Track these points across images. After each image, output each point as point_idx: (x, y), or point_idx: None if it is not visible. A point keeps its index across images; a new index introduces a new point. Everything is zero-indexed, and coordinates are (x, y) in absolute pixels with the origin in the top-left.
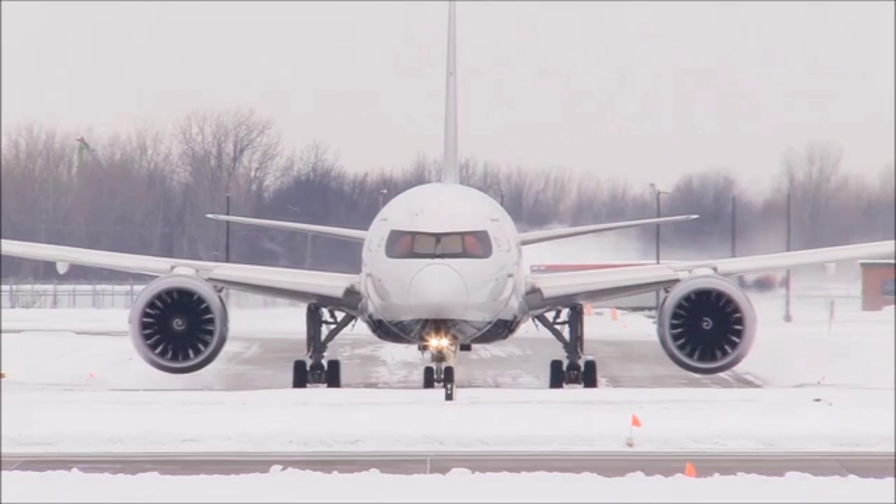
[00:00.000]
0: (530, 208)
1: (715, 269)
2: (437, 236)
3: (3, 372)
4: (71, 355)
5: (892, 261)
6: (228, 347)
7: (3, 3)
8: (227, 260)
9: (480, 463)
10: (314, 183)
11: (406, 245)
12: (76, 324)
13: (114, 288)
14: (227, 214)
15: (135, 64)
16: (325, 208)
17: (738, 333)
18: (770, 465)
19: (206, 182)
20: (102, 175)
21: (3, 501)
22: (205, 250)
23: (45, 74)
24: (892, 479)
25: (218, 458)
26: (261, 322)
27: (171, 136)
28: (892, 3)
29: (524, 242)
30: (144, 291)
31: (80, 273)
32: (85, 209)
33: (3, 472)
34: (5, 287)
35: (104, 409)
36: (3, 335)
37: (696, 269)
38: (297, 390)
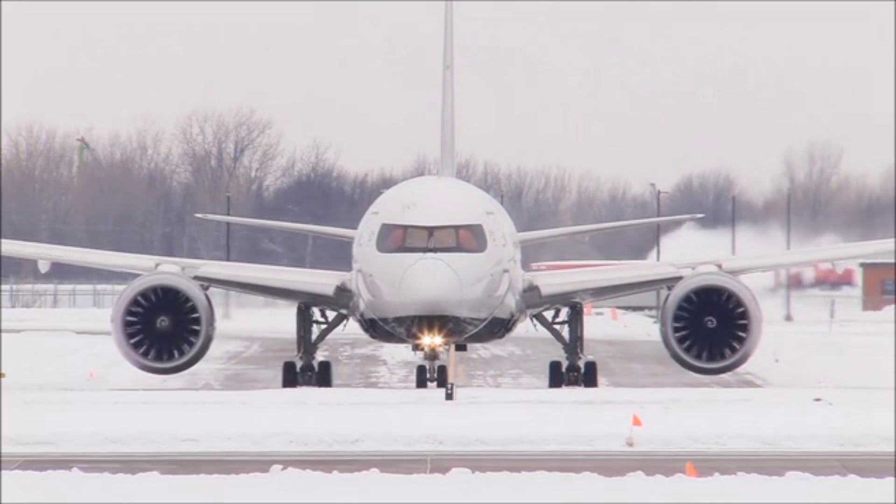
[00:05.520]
0: (530, 208)
1: (719, 267)
2: (430, 230)
3: (3, 372)
4: (71, 355)
5: (892, 261)
6: (228, 347)
7: (2, 3)
8: (228, 260)
9: (480, 463)
10: (314, 183)
11: (398, 239)
12: (76, 324)
13: (114, 288)
14: (228, 214)
15: (135, 64)
16: (325, 208)
17: (743, 333)
18: (770, 465)
19: (207, 182)
20: (102, 175)
21: (3, 501)
22: (205, 250)
23: (45, 74)
24: (892, 479)
25: (218, 458)
26: (261, 321)
27: (171, 136)
28: (893, 3)
29: (524, 242)
30: (127, 290)
31: (80, 273)
32: (85, 209)
33: (3, 472)
34: (5, 287)
35: (104, 409)
36: (3, 335)
37: (699, 266)
38: (298, 390)
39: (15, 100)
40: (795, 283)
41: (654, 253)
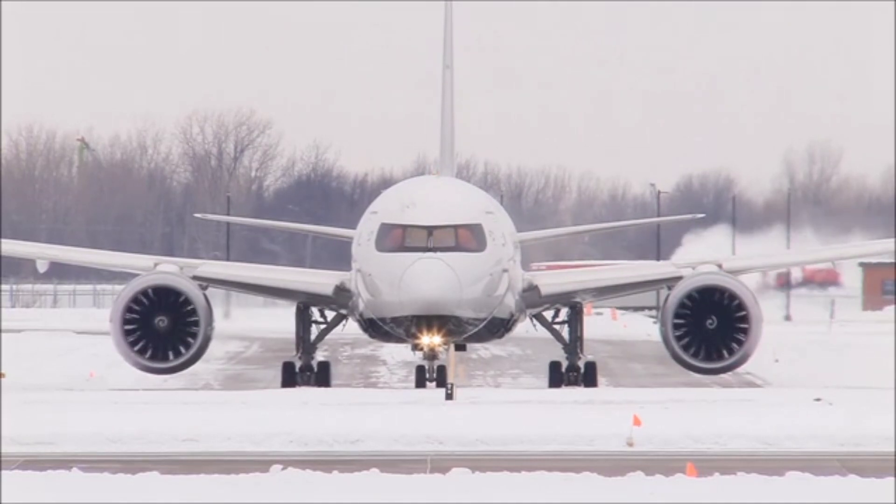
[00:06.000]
0: (530, 208)
1: (720, 266)
2: (429, 229)
3: (3, 372)
4: (71, 355)
5: (892, 261)
6: (228, 347)
7: (2, 3)
8: (228, 260)
9: (480, 463)
10: (315, 183)
11: (397, 238)
12: (76, 324)
13: (114, 288)
14: (228, 214)
15: (135, 64)
16: (325, 208)
17: (744, 333)
18: (770, 465)
19: (207, 182)
20: (102, 175)
21: (3, 501)
22: (205, 250)
23: (45, 74)
24: (892, 479)
25: (218, 458)
26: (261, 321)
27: (171, 136)
28: (893, 3)
29: (523, 242)
30: (126, 289)
31: (80, 273)
32: (85, 209)
33: (3, 472)
34: (5, 287)
35: (104, 409)
36: (3, 335)
37: (699, 266)
38: (297, 390)
39: (15, 100)
40: (781, 283)
41: (678, 253)
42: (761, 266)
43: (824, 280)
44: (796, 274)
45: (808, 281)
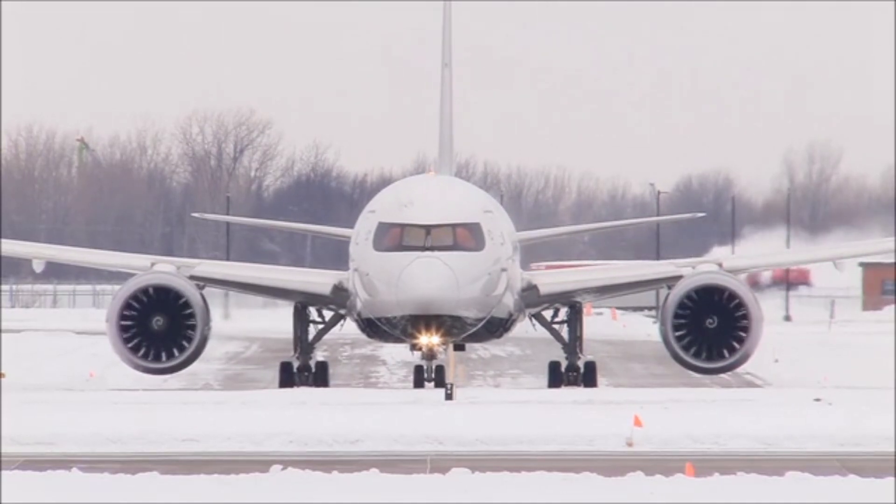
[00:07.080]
0: (530, 208)
1: (720, 266)
2: (427, 228)
3: (3, 372)
4: (71, 355)
5: (892, 261)
6: (228, 347)
7: (2, 3)
8: (228, 260)
9: (480, 463)
10: (314, 183)
11: (395, 238)
12: (76, 324)
13: (113, 288)
14: (228, 214)
15: (135, 64)
16: (325, 208)
17: (744, 332)
18: (770, 465)
19: (206, 182)
20: (102, 175)
21: (3, 501)
22: (205, 250)
23: (45, 74)
24: (892, 479)
25: (218, 458)
26: (261, 321)
27: (171, 136)
28: (893, 3)
29: (523, 241)
30: (122, 289)
31: (80, 273)
32: (85, 209)
33: (3, 472)
34: (5, 287)
35: (104, 409)
36: (3, 335)
37: (699, 266)
38: (297, 390)
39: (15, 100)
40: (752, 283)
41: (710, 253)
42: (762, 265)
43: (794, 280)
44: (766, 273)
45: (779, 281)
